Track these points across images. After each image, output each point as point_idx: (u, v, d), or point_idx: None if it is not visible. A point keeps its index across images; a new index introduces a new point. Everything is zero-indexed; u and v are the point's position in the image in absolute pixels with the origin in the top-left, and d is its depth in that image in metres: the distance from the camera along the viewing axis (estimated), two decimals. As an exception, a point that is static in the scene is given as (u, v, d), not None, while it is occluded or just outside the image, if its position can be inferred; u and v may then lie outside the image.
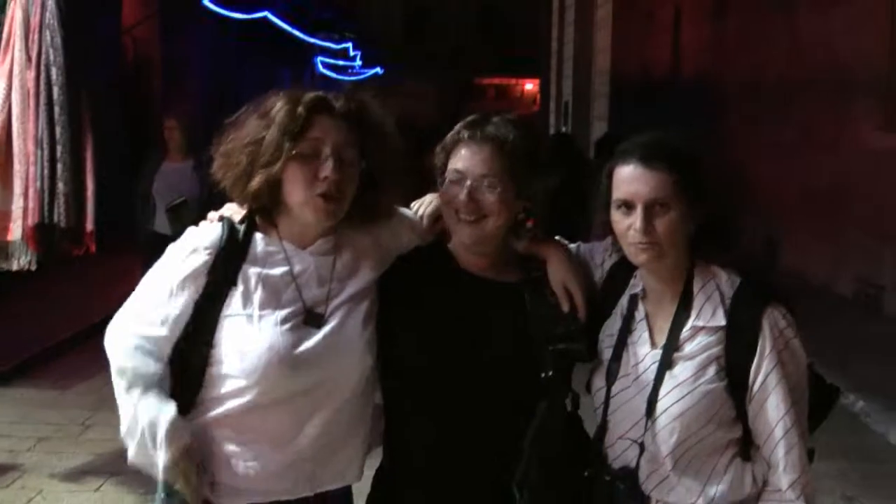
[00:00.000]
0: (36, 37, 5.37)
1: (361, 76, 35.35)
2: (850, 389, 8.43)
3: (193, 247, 2.62)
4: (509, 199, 2.66)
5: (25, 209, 5.46)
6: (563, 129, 30.43)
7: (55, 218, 5.49)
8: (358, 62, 31.94)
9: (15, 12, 5.38)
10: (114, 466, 6.68)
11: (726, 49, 18.67)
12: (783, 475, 2.55)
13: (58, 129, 5.47)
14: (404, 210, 2.91)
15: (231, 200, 2.74)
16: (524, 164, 2.66)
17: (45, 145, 5.41)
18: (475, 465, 2.66)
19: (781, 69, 15.45)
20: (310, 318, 2.60)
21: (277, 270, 2.61)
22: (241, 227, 2.66)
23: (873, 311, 11.75)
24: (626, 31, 25.89)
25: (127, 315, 2.67)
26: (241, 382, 2.55)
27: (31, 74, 5.39)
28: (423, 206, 2.90)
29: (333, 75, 32.87)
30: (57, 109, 5.45)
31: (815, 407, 2.69)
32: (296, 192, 2.58)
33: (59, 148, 5.49)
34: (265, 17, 17.68)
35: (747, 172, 16.77)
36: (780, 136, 15.38)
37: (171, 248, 2.69)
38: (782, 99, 15.34)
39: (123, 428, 2.59)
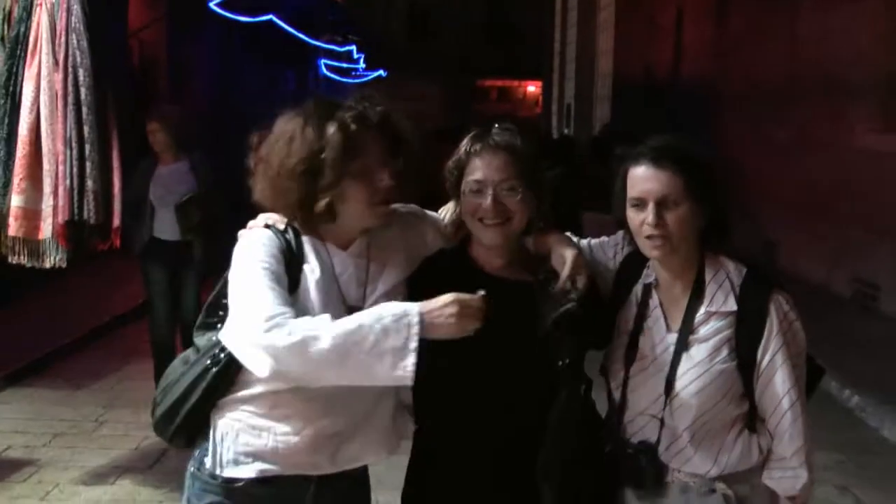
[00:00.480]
0: (62, 40, 5.55)
1: (365, 78, 35.48)
2: (845, 385, 8.62)
3: (270, 251, 2.73)
4: (527, 200, 2.86)
5: (55, 207, 5.61)
6: (566, 132, 30.58)
7: (85, 215, 5.65)
8: (361, 65, 32.07)
9: (41, 18, 5.56)
10: (128, 461, 6.90)
11: (727, 50, 18.83)
12: (788, 443, 2.80)
13: (86, 129, 5.62)
14: (430, 213, 3.11)
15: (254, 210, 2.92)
16: (533, 166, 2.88)
17: (73, 144, 5.58)
18: (500, 458, 2.87)
19: (781, 70, 15.61)
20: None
21: (324, 271, 2.79)
22: (291, 234, 2.81)
23: (870, 310, 11.93)
24: (629, 34, 26.09)
25: (250, 314, 2.60)
26: None
27: (59, 77, 5.56)
28: (447, 212, 3.08)
29: (337, 78, 33.01)
30: (84, 110, 5.61)
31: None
32: (359, 204, 2.76)
33: (87, 147, 5.64)
34: (270, 20, 17.80)
35: (748, 173, 16.95)
36: (780, 137, 15.55)
37: (247, 250, 2.76)
38: (781, 100, 15.51)
39: (368, 349, 2.51)
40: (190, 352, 2.94)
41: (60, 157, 5.58)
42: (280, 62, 25.42)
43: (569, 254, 2.86)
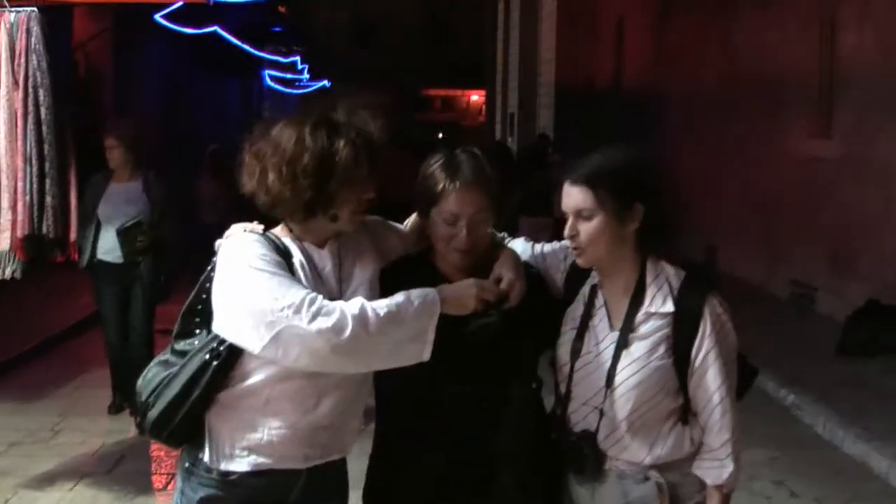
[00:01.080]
0: (22, 60, 5.72)
1: (309, 89, 35.54)
2: (782, 384, 8.93)
3: (264, 248, 2.92)
4: (493, 224, 3.12)
5: (14, 221, 5.79)
6: (510, 140, 30.86)
7: (44, 229, 5.83)
8: (305, 75, 32.15)
9: (1, 38, 5.73)
10: (86, 467, 7.03)
11: (667, 59, 19.22)
12: (717, 436, 3.04)
13: (45, 147, 5.82)
14: (390, 222, 3.34)
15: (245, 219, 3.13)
16: (500, 192, 3.10)
17: (34, 161, 5.77)
18: (462, 446, 3.07)
19: (719, 79, 16.00)
20: None
21: (308, 268, 2.99)
22: (273, 237, 3.01)
23: (806, 311, 12.29)
24: (570, 44, 26.39)
25: (276, 306, 2.77)
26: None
27: (19, 96, 5.74)
28: (409, 221, 3.32)
29: (281, 88, 33.07)
30: (45, 129, 5.81)
31: (737, 384, 3.19)
32: (350, 209, 2.98)
33: (46, 164, 5.84)
34: (215, 32, 17.88)
35: (688, 180, 17.31)
36: (718, 145, 15.93)
37: (240, 252, 2.92)
38: (720, 108, 15.90)
39: (399, 325, 2.79)
40: (168, 355, 3.07)
41: (20, 174, 5.77)
42: (225, 73, 25.46)
43: (506, 275, 3.06)
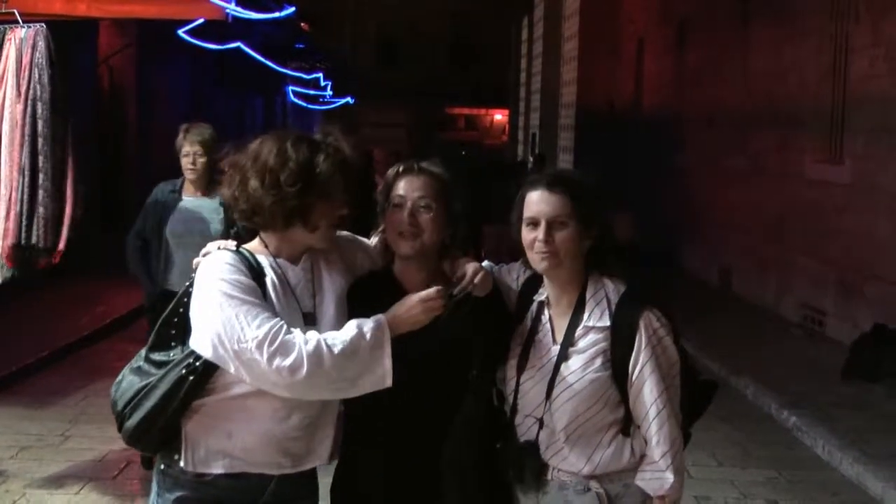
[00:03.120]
0: (26, 74, 5.92)
1: (332, 105, 35.74)
2: (784, 406, 8.99)
3: (237, 268, 3.06)
4: (439, 220, 3.25)
5: (6, 230, 5.99)
6: (530, 160, 31.10)
7: (33, 239, 6.04)
8: (329, 92, 32.35)
9: (10, 52, 5.92)
10: (93, 472, 7.16)
11: (685, 83, 19.30)
12: (656, 448, 3.15)
13: (40, 159, 6.00)
14: (359, 238, 3.48)
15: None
16: (452, 194, 3.29)
17: (27, 173, 5.97)
18: (418, 448, 3.22)
19: (735, 103, 16.07)
20: (308, 321, 3.12)
21: (282, 282, 3.14)
22: (245, 252, 3.15)
23: (816, 335, 12.32)
24: (592, 65, 26.57)
25: (242, 336, 2.93)
26: None
27: (20, 108, 5.93)
28: (375, 238, 3.46)
29: (305, 104, 33.26)
30: (41, 141, 6.00)
31: (695, 400, 3.30)
32: (326, 223, 3.13)
33: (41, 175, 6.03)
34: (238, 48, 18.08)
35: (703, 202, 17.40)
36: (734, 167, 15.99)
37: (213, 272, 3.06)
38: (735, 131, 15.97)
39: (347, 354, 2.92)
40: (143, 364, 3.18)
41: (14, 184, 5.96)
42: (249, 89, 25.69)
43: (470, 266, 3.22)
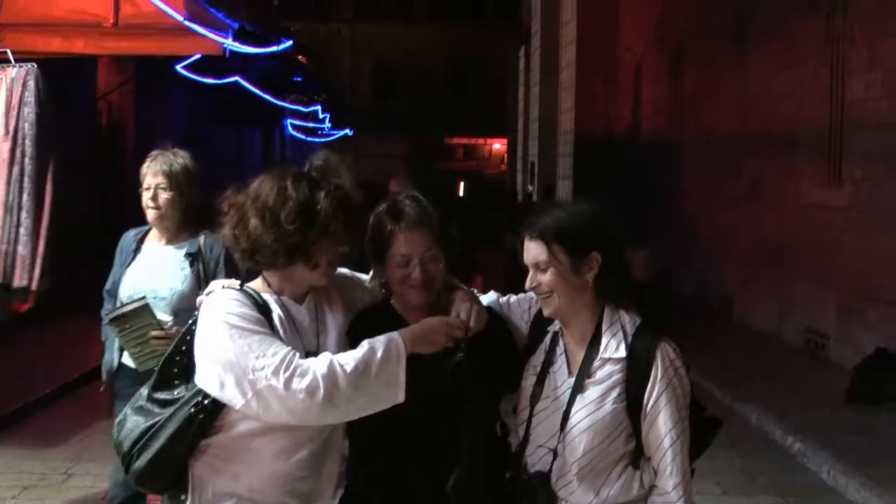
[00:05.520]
0: (15, 112, 5.97)
1: (331, 137, 35.79)
2: (789, 432, 8.96)
3: (243, 304, 3.07)
4: (445, 262, 3.28)
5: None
6: (530, 188, 31.15)
7: (15, 279, 6.05)
8: (327, 124, 32.41)
9: (0, 91, 5.96)
10: (95, 511, 7.14)
11: (683, 108, 19.36)
12: (669, 479, 3.13)
13: (24, 196, 6.02)
14: (357, 274, 3.50)
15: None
16: (445, 229, 3.30)
17: (14, 211, 5.97)
18: (423, 475, 3.21)
19: (733, 128, 16.11)
20: None
21: (288, 320, 3.15)
22: (250, 290, 3.16)
23: (819, 359, 12.30)
24: (589, 93, 26.61)
25: (257, 365, 2.95)
26: None
27: (7, 146, 5.97)
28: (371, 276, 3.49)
29: (303, 137, 33.30)
30: (26, 179, 6.02)
31: (700, 435, 3.28)
32: (327, 260, 3.14)
33: (23, 213, 6.04)
34: (236, 82, 18.11)
35: (702, 229, 17.40)
36: (733, 192, 16.00)
37: (220, 309, 3.06)
38: (734, 156, 16.01)
39: (357, 375, 2.93)
40: (146, 404, 3.17)
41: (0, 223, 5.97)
42: (247, 123, 25.72)
43: (463, 309, 3.21)
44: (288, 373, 2.90)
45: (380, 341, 3.00)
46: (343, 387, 2.91)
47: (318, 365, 2.93)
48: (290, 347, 2.98)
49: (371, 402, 3.00)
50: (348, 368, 2.93)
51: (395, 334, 3.03)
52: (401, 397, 2.99)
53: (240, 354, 2.95)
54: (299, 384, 2.89)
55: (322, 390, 2.89)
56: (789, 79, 13.75)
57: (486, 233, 14.26)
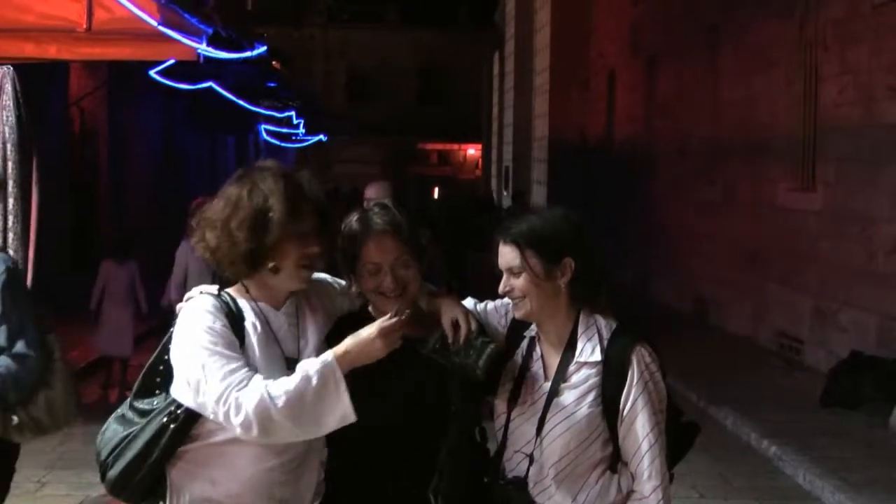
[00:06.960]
0: (-6, 117, 5.92)
1: (305, 143, 35.72)
2: (764, 436, 8.99)
3: (215, 316, 3.06)
4: (417, 268, 3.27)
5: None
6: (504, 193, 31.19)
7: None
8: (301, 129, 32.33)
9: (-22, 97, 5.92)
10: (70, 519, 7.09)
11: (656, 114, 19.44)
12: (647, 483, 3.13)
13: (10, 201, 5.96)
14: (336, 280, 3.47)
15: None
16: (415, 235, 3.29)
17: (1, 217, 5.92)
18: (405, 479, 3.21)
19: (706, 133, 16.20)
20: (290, 366, 3.09)
21: (263, 328, 3.14)
22: (227, 297, 3.15)
23: (793, 363, 12.35)
24: (563, 98, 26.70)
25: (208, 389, 2.95)
26: None
27: (-10, 152, 5.92)
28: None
29: (278, 143, 33.21)
30: (10, 183, 5.96)
31: (678, 441, 3.29)
32: (290, 264, 3.11)
33: (10, 218, 5.97)
34: (210, 88, 18.04)
35: (677, 233, 17.47)
36: (706, 197, 16.08)
37: (192, 318, 3.07)
38: (707, 161, 16.09)
39: (296, 403, 2.91)
40: (128, 412, 3.16)
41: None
42: (221, 128, 25.64)
43: (459, 314, 3.22)
44: (225, 407, 2.91)
45: (314, 367, 2.96)
46: (278, 419, 2.91)
47: (248, 400, 2.91)
48: (238, 374, 2.95)
49: (316, 427, 3.00)
50: (280, 402, 2.91)
51: (329, 357, 2.99)
52: (351, 417, 2.96)
53: (198, 374, 2.96)
54: (235, 419, 2.91)
55: (255, 425, 2.90)
56: (762, 84, 13.83)
57: (473, 235, 14.88)
